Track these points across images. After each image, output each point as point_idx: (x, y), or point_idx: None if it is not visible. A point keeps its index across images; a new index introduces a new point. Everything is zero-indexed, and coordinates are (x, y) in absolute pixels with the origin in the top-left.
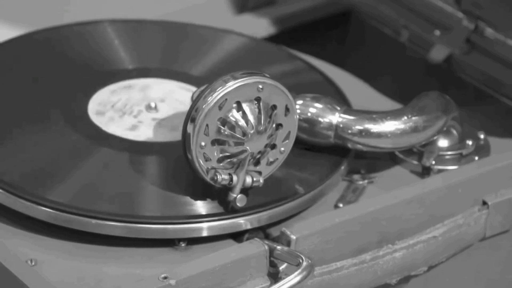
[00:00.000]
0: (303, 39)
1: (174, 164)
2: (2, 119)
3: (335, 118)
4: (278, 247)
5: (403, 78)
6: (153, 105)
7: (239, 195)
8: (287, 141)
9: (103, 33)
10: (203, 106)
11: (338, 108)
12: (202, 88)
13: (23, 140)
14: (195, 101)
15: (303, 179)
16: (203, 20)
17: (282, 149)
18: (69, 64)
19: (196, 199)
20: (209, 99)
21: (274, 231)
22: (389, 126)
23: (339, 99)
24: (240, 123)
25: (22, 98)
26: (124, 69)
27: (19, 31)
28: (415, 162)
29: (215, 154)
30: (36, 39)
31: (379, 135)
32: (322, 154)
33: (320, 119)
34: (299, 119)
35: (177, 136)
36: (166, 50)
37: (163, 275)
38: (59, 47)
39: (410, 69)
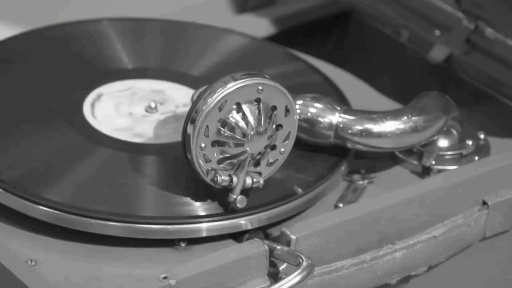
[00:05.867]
0: (303, 39)
1: (174, 164)
2: (2, 118)
3: (335, 118)
4: (278, 247)
5: (403, 78)
6: (153, 105)
7: (239, 196)
8: (287, 141)
9: (103, 32)
10: (203, 107)
11: (338, 108)
12: (202, 89)
13: (23, 139)
14: (195, 102)
15: (303, 179)
16: (203, 20)
17: (282, 149)
18: (68, 62)
19: (196, 200)
20: (209, 100)
21: (274, 231)
22: (389, 126)
23: (339, 99)
24: (240, 124)
25: (21, 97)
26: (123, 68)
27: (19, 30)
28: (415, 162)
29: (215, 155)
30: (34, 37)
31: (379, 135)
32: (322, 154)
33: (320, 119)
34: (299, 119)
35: (177, 137)
36: (165, 50)
37: (163, 275)
38: (58, 46)
39: (410, 69)
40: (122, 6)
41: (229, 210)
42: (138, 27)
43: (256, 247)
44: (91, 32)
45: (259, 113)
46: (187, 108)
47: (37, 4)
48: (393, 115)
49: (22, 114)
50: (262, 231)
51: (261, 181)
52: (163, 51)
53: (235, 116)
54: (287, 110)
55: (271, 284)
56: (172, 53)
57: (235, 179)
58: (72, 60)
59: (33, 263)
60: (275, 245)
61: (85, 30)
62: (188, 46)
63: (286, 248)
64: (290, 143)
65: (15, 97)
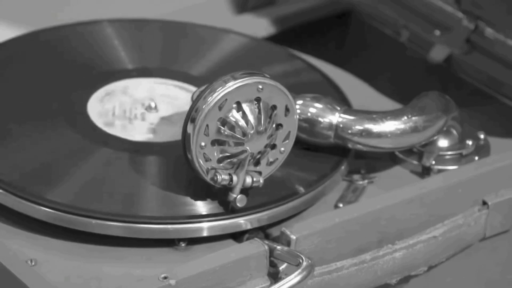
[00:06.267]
0: (303, 39)
1: (174, 164)
2: (2, 118)
3: (335, 118)
4: (278, 247)
5: (403, 78)
6: (153, 105)
7: (239, 196)
8: (287, 141)
9: (103, 33)
10: (203, 106)
11: (338, 108)
12: (202, 88)
13: (23, 140)
14: (195, 101)
15: (303, 179)
16: (203, 20)
17: (282, 149)
18: (69, 63)
19: (196, 199)
20: (209, 99)
21: (274, 231)
22: (389, 126)
23: (339, 99)
24: (240, 123)
25: (21, 98)
26: (123, 68)
27: (19, 31)
28: (415, 162)
29: (215, 154)
30: (35, 39)
31: (379, 135)
32: (322, 154)
33: (320, 119)
34: (299, 119)
35: (177, 136)
36: (166, 50)
37: (163, 275)
38: (58, 47)
39: (410, 69)
40: (122, 6)
41: (229, 210)
42: (138, 28)
43: (256, 247)
44: (92, 33)
45: (259, 112)
46: (188, 107)
47: (37, 4)
48: (393, 115)
49: (23, 114)
50: (262, 231)
51: (261, 180)
52: (163, 51)
53: (235, 115)
54: (287, 110)
55: (271, 284)
56: (172, 53)
57: (235, 178)
58: (73, 61)
59: (33, 263)
60: (275, 245)
61: (85, 31)
62: (188, 47)
63: (286, 248)
64: (290, 142)
65: (16, 98)
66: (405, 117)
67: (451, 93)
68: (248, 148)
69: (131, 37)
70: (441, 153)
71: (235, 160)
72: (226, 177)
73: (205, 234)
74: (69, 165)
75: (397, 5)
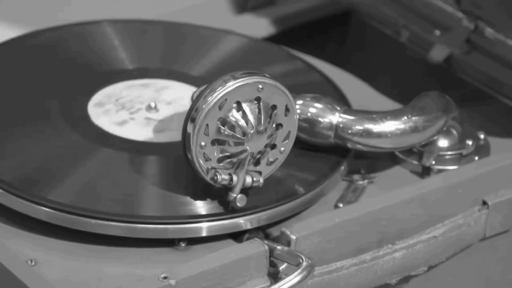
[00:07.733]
0: (303, 39)
1: (174, 164)
2: (2, 119)
3: (335, 118)
4: (278, 247)
5: (403, 78)
6: (153, 105)
7: (239, 195)
8: (287, 141)
9: (103, 33)
10: (203, 106)
11: (338, 108)
12: (202, 88)
13: (23, 140)
14: (195, 101)
15: (303, 179)
16: (203, 20)
17: (282, 149)
18: (69, 64)
19: (196, 199)
20: (209, 99)
21: (274, 231)
22: (389, 126)
23: (339, 99)
24: (240, 123)
25: (22, 98)
26: (124, 69)
27: (19, 31)
28: (415, 162)
29: (215, 154)
30: (35, 39)
31: (379, 135)
32: (322, 154)
33: (320, 119)
34: (299, 119)
35: (177, 136)
36: (166, 50)
37: (163, 275)
38: (59, 47)
39: (410, 69)
40: (122, 6)
41: (229, 210)
42: (139, 28)
43: (256, 247)
44: (92, 34)
45: (259, 112)
46: (187, 107)
47: (37, 4)
48: (393, 115)
49: (23, 114)
50: (262, 231)
51: (261, 180)
52: (163, 51)
53: (235, 115)
54: (287, 109)
55: (271, 284)
56: (172, 54)
57: (235, 178)
58: (73, 61)
59: (33, 263)
60: (275, 245)
61: (86, 31)
62: (189, 47)
63: (286, 248)
64: (290, 142)
65: (16, 98)
66: (405, 117)
67: (451, 93)
68: (248, 148)
69: (131, 37)
70: (441, 153)
71: (235, 160)
72: (226, 177)
73: (205, 234)
74: (69, 165)
75: (397, 5)
